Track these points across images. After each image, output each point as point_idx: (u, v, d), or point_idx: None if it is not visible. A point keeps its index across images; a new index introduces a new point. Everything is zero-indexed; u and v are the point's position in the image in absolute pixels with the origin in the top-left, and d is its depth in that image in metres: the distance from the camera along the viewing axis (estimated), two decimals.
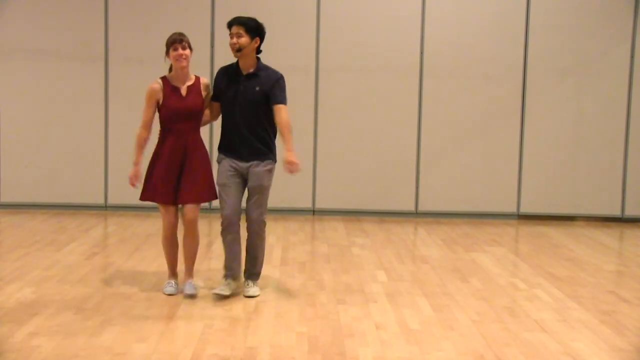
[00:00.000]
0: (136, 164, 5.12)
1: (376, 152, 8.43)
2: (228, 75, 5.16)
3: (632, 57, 8.35)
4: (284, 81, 5.13)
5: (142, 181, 5.14)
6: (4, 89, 8.33)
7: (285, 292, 5.28)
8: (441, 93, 8.39)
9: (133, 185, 5.15)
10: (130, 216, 8.12)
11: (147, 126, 5.11)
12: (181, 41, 5.01)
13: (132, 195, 8.34)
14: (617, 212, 8.54)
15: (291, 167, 4.96)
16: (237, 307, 4.88)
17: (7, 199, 8.37)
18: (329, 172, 8.42)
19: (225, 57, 7.85)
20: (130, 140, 8.21)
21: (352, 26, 8.32)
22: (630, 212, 8.53)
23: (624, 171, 8.48)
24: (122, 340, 4.18)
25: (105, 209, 8.40)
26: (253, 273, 5.24)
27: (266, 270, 5.85)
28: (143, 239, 6.95)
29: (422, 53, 8.34)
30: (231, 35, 5.08)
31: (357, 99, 8.37)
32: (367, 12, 8.32)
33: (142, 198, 5.14)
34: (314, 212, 8.47)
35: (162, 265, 5.93)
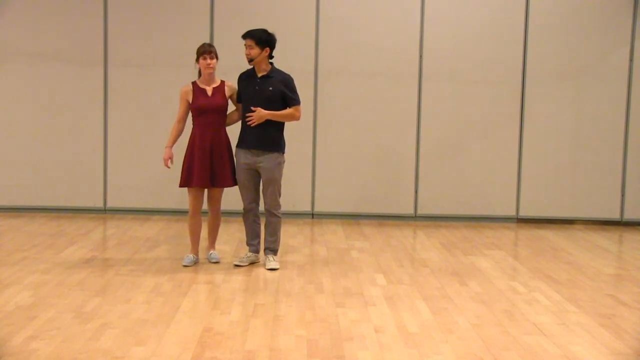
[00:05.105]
0: (167, 147, 6.02)
1: (375, 155, 8.44)
2: (247, 79, 6.00)
3: (631, 60, 8.36)
4: (293, 82, 5.99)
5: (175, 164, 6.05)
6: (3, 93, 8.32)
7: (284, 295, 5.27)
8: (440, 96, 8.39)
9: (167, 166, 6.04)
10: (129, 219, 8.12)
11: (180, 120, 6.05)
12: (210, 52, 5.94)
13: (131, 198, 8.45)
14: (616, 215, 8.54)
15: (253, 113, 5.83)
16: (236, 310, 4.87)
17: (5, 202, 8.36)
18: (328, 176, 8.42)
19: (224, 60, 7.92)
20: (128, 144, 8.34)
21: (351, 29, 8.32)
22: (629, 215, 8.53)
23: (623, 174, 8.48)
24: (120, 344, 4.18)
25: (104, 212, 8.39)
26: (273, 249, 6.09)
27: (265, 273, 5.89)
28: (142, 242, 6.95)
29: (421, 56, 8.34)
30: (245, 46, 5.87)
31: (356, 103, 8.37)
32: (367, 16, 8.32)
33: (181, 185, 6.00)
34: (313, 216, 8.46)
35: (161, 268, 5.95)
